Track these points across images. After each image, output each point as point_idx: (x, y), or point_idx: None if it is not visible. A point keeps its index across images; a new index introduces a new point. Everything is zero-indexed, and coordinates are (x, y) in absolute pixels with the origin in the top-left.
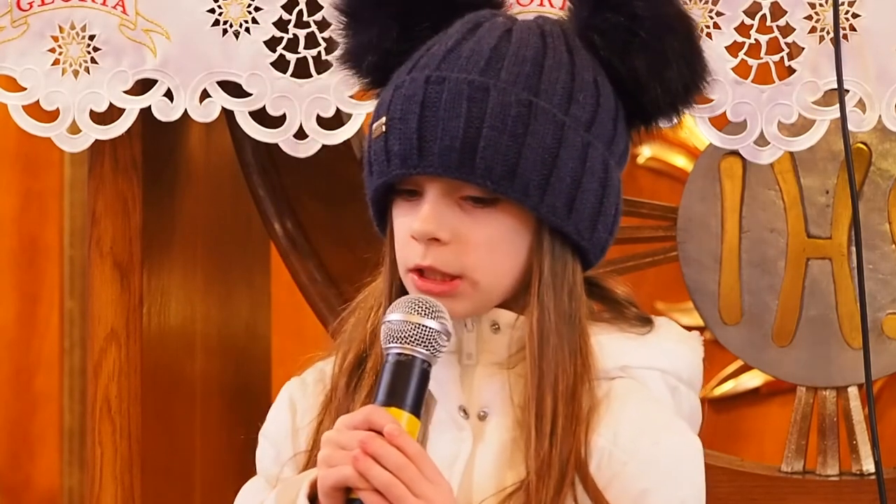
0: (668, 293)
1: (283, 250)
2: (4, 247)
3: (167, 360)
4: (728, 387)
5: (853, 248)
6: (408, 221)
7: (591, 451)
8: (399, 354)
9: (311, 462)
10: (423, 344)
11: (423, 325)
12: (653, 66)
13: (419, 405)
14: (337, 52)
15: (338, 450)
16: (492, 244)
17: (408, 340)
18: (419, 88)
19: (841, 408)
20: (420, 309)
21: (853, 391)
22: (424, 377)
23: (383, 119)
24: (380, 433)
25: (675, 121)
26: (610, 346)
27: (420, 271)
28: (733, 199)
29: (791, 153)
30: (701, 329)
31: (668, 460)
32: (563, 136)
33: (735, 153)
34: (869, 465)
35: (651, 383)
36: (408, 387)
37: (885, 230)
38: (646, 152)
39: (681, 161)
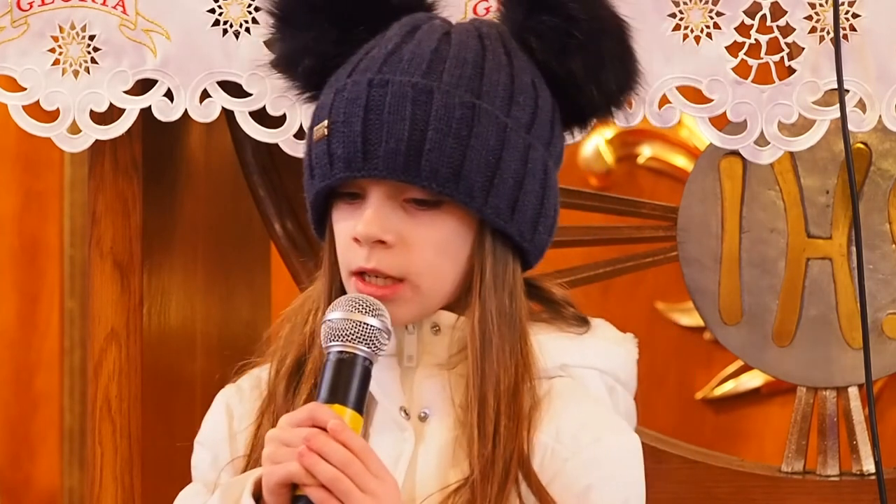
0: (668, 293)
1: (283, 250)
2: (4, 247)
3: (167, 360)
4: (728, 387)
5: (853, 248)
6: (350, 225)
7: (533, 448)
8: (340, 353)
9: (250, 466)
10: (364, 342)
11: (364, 323)
12: (589, 68)
13: (362, 402)
14: (271, 57)
15: (282, 447)
16: (436, 246)
17: (349, 338)
18: (362, 91)
19: (841, 408)
20: (361, 307)
21: (853, 391)
22: (366, 375)
23: (325, 122)
24: (324, 429)
25: (608, 121)
26: (549, 345)
27: (362, 275)
28: (733, 199)
29: (791, 153)
30: (701, 329)
31: (611, 458)
32: (506, 137)
33: (735, 153)
34: (869, 466)
35: (589, 382)
36: (350, 384)
37: (885, 230)
38: (646, 152)
39: (681, 161)
